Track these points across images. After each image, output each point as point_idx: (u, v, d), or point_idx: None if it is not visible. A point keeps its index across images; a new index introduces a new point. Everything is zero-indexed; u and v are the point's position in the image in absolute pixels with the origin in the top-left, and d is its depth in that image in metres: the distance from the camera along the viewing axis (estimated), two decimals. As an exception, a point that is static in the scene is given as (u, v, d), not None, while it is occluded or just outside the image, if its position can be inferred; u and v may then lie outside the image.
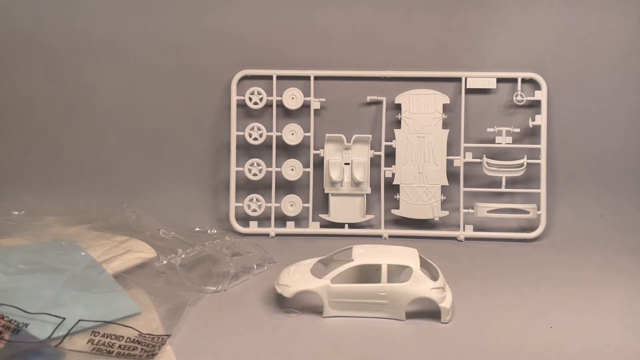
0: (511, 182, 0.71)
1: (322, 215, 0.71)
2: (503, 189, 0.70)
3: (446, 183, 0.70)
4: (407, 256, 0.47)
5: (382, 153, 0.71)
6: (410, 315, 0.45)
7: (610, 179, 0.73)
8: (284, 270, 0.49)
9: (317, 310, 0.46)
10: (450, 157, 0.70)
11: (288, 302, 0.47)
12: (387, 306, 0.45)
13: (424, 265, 0.47)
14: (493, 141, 0.70)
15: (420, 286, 0.45)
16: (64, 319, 0.40)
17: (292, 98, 0.71)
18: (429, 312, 0.46)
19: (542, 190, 0.70)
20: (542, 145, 0.70)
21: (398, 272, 0.47)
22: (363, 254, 0.47)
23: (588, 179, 0.73)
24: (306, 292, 0.45)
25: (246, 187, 0.71)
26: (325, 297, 0.45)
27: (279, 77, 0.71)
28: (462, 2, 0.72)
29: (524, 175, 0.70)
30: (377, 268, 0.46)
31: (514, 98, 0.71)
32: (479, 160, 0.70)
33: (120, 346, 0.39)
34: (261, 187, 0.71)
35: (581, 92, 0.72)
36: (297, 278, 0.47)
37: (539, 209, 0.69)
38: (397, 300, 0.45)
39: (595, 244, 0.66)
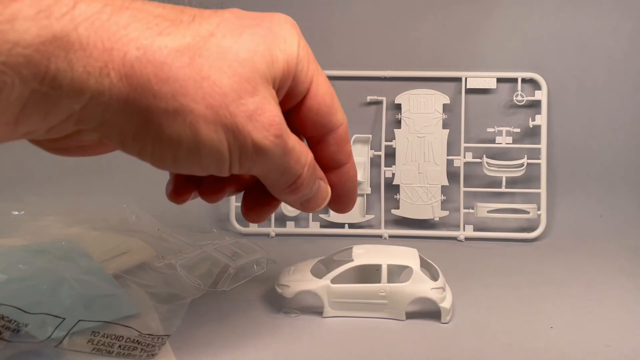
0: (511, 182, 0.71)
1: (322, 215, 0.71)
2: (503, 189, 0.70)
3: (446, 183, 0.70)
4: (407, 256, 0.47)
5: (382, 153, 0.71)
6: (410, 316, 0.45)
7: (611, 179, 0.73)
8: (284, 270, 0.48)
9: (318, 311, 0.46)
10: (450, 157, 0.70)
11: (288, 302, 0.47)
12: (387, 306, 0.45)
13: (424, 265, 0.47)
14: (493, 141, 0.70)
15: (421, 286, 0.44)
16: (64, 319, 0.40)
17: (292, 98, 0.71)
18: (429, 312, 0.46)
19: (543, 190, 0.70)
20: (543, 145, 0.70)
21: (398, 272, 0.46)
22: (363, 254, 0.47)
23: (588, 178, 0.73)
24: (306, 292, 0.45)
25: (246, 187, 0.71)
26: (325, 297, 0.45)
27: (279, 77, 0.71)
28: (462, 1, 0.72)
29: (524, 175, 0.70)
30: (377, 268, 0.46)
31: (514, 98, 0.71)
32: (479, 160, 0.70)
33: (120, 346, 0.39)
34: (261, 187, 0.71)
35: (582, 92, 0.72)
36: (297, 278, 0.46)
37: (539, 209, 0.69)
38: (397, 300, 0.45)
39: (596, 244, 0.66)
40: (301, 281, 0.46)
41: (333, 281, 0.45)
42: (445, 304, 0.45)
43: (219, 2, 0.29)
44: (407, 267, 0.46)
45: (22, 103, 0.24)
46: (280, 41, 0.30)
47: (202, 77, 0.26)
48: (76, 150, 0.30)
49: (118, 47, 0.25)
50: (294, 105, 0.34)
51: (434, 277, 0.46)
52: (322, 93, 0.34)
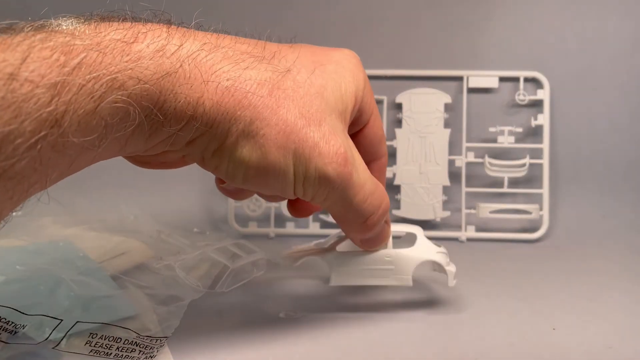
0: (513, 182, 0.70)
1: (322, 216, 0.70)
2: (505, 189, 0.69)
3: (448, 183, 0.69)
4: (410, 227, 0.47)
5: (383, 153, 0.70)
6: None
7: (614, 179, 0.72)
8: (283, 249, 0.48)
9: (318, 312, 0.45)
10: (452, 157, 0.70)
11: (288, 304, 0.46)
12: (394, 272, 0.44)
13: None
14: (495, 141, 0.70)
15: (426, 250, 0.44)
16: (62, 320, 0.40)
17: (293, 97, 0.70)
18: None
19: (545, 191, 0.69)
20: (545, 145, 0.70)
21: (402, 242, 0.46)
22: None
23: (591, 179, 0.72)
24: (311, 262, 0.45)
25: (246, 187, 0.71)
26: (333, 264, 0.44)
27: (279, 77, 0.71)
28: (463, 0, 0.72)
29: (526, 176, 0.69)
30: None
31: (516, 97, 0.70)
32: (480, 160, 0.69)
33: (118, 348, 0.39)
34: (261, 187, 0.71)
35: (584, 91, 0.72)
36: (303, 249, 0.46)
37: (541, 210, 0.69)
38: (403, 265, 0.44)
39: (599, 245, 0.66)
40: (307, 250, 0.46)
41: (339, 248, 0.45)
42: (451, 268, 0.44)
43: (293, 37, 0.37)
44: (411, 233, 0.45)
45: (134, 128, 0.27)
46: (348, 75, 0.36)
47: (278, 105, 0.30)
48: (158, 165, 0.34)
49: (212, 79, 0.29)
50: (352, 133, 0.39)
51: (438, 246, 0.46)
52: (378, 124, 0.40)
